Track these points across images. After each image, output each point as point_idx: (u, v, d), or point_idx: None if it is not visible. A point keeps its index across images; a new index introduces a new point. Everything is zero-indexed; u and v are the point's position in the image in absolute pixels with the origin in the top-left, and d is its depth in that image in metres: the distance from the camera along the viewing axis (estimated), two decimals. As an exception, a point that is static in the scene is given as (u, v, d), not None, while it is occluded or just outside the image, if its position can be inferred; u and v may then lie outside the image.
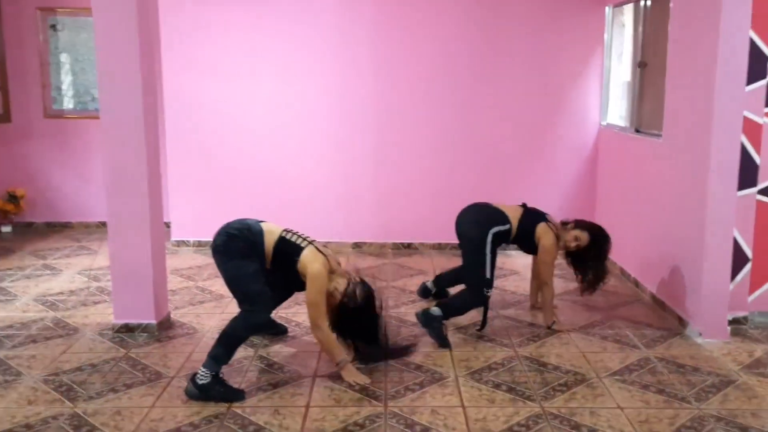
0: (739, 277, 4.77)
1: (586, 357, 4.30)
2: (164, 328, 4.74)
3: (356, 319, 3.98)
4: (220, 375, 3.74)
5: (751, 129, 4.61)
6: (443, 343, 4.48)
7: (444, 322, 4.57)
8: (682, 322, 4.79)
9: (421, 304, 5.11)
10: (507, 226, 4.76)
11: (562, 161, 6.81)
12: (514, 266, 6.42)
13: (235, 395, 3.71)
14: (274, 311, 4.21)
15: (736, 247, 4.68)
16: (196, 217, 6.93)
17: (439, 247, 6.86)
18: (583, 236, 4.73)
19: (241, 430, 3.40)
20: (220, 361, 3.76)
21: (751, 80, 4.52)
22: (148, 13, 4.59)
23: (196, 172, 6.89)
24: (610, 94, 6.68)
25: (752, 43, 4.49)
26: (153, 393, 3.79)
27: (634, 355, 4.34)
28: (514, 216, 4.83)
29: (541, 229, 4.78)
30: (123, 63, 4.44)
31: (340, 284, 3.97)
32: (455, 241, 6.74)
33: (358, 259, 6.52)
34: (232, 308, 5.15)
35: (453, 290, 5.24)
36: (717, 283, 4.57)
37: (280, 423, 3.47)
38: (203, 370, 3.70)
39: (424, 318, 4.55)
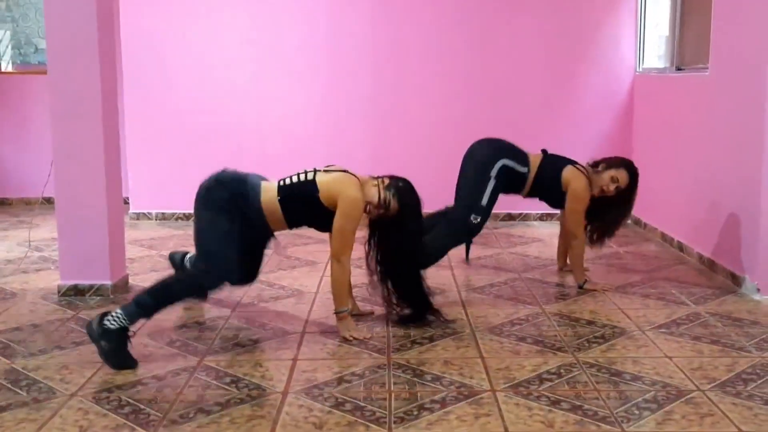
0: (803, 226, 4.72)
1: (626, 312, 4.24)
2: (121, 291, 4.65)
3: (401, 226, 3.84)
4: (129, 333, 3.53)
5: (816, 48, 4.57)
6: None
7: None
8: (736, 280, 4.74)
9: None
10: (524, 169, 4.71)
11: (592, 114, 6.77)
12: (537, 235, 6.38)
13: (123, 361, 3.46)
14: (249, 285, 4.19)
15: (800, 189, 4.64)
16: (159, 186, 6.86)
17: (446, 218, 6.80)
18: (623, 175, 4.65)
19: (215, 381, 3.32)
20: (142, 312, 3.55)
21: (814, -10, 4.50)
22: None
23: (158, 132, 6.83)
24: (646, 35, 6.66)
25: (815, -55, 4.47)
26: (108, 349, 3.71)
27: (681, 310, 4.28)
28: (534, 162, 4.78)
29: (569, 172, 4.70)
30: (76, 5, 4.38)
31: (371, 194, 3.81)
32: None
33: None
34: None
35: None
36: (778, 230, 4.53)
37: (263, 375, 3.39)
38: (118, 312, 3.49)
39: None
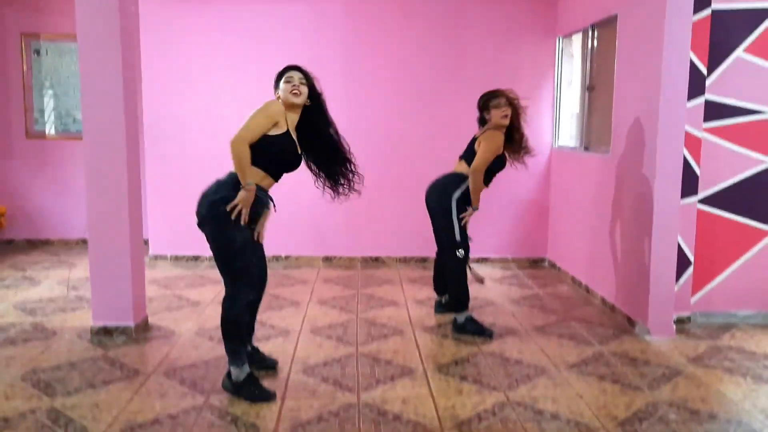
0: (682, 280, 4.79)
1: (545, 352, 4.25)
2: (142, 331, 4.56)
3: (318, 110, 3.77)
4: (254, 374, 3.56)
5: (691, 142, 4.67)
6: (486, 333, 4.52)
7: (469, 316, 4.57)
8: (631, 322, 4.78)
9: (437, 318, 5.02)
10: (466, 183, 4.58)
11: (517, 180, 6.77)
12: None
13: (265, 395, 3.48)
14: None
15: (680, 251, 4.71)
16: (174, 232, 6.76)
17: (405, 261, 6.78)
18: (503, 104, 4.55)
19: (218, 420, 3.26)
20: (237, 351, 3.50)
21: (690, 97, 4.59)
22: (130, 35, 4.49)
23: (174, 187, 6.73)
24: (561, 118, 6.73)
25: (691, 63, 4.57)
26: (131, 388, 3.63)
27: (589, 350, 4.30)
28: (463, 167, 4.63)
29: (479, 138, 4.60)
30: (106, 85, 4.34)
31: (283, 92, 3.59)
32: (419, 254, 6.73)
33: (328, 271, 6.40)
34: (208, 312, 5.01)
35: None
36: (663, 284, 4.57)
37: (257, 413, 3.34)
38: (232, 368, 3.52)
39: (457, 329, 4.58)
